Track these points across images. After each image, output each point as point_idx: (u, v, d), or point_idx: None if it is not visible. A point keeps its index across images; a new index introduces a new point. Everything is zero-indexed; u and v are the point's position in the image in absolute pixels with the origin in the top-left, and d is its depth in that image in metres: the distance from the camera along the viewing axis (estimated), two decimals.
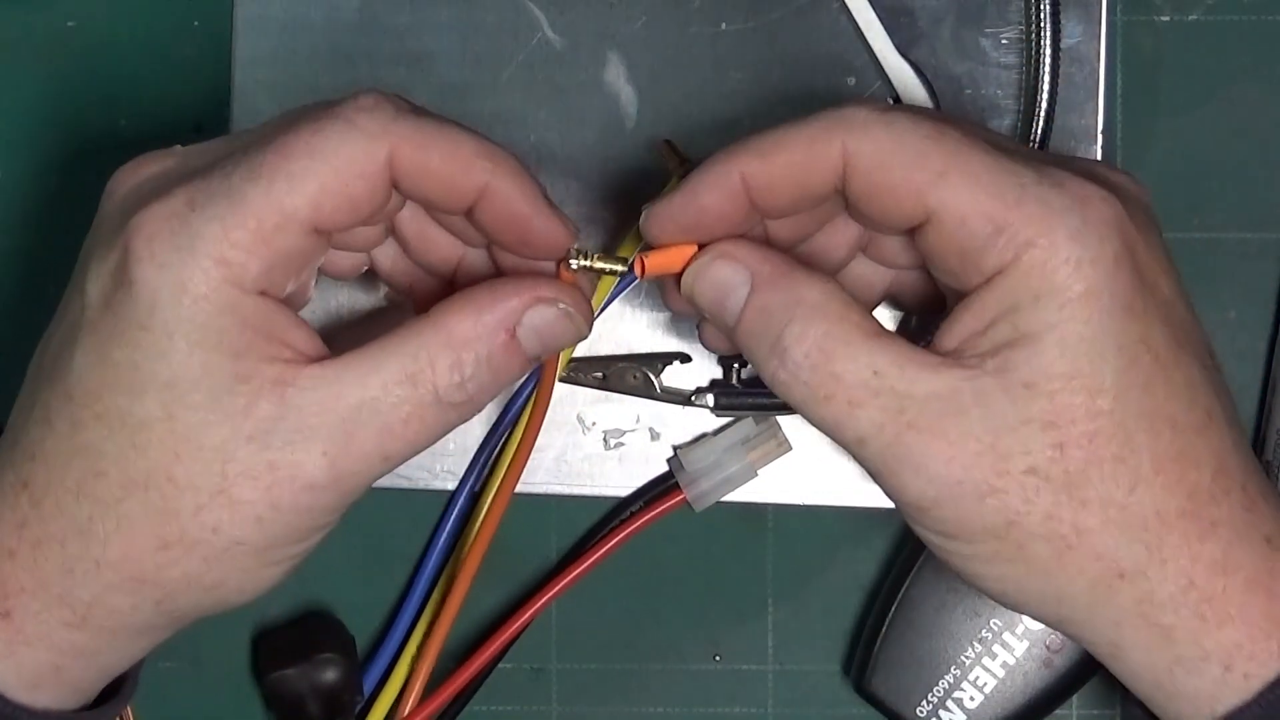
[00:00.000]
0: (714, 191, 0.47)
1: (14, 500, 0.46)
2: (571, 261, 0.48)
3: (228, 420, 0.44)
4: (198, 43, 0.61)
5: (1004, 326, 0.45)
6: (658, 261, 0.48)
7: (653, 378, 0.58)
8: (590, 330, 0.49)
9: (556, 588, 0.58)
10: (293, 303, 0.47)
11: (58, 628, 0.46)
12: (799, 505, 0.59)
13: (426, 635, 0.58)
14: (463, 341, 0.46)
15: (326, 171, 0.45)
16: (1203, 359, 0.46)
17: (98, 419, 0.45)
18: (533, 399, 0.51)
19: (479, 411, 0.47)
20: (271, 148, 0.45)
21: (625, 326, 0.59)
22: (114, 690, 0.50)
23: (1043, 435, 0.44)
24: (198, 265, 0.44)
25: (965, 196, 0.45)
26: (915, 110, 0.46)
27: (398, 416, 0.45)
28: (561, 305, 0.47)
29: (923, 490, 0.45)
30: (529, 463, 0.58)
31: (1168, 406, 0.45)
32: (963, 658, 0.57)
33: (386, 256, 0.52)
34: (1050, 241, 0.44)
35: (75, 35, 0.61)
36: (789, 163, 0.46)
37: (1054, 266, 0.44)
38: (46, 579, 0.46)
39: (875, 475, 0.47)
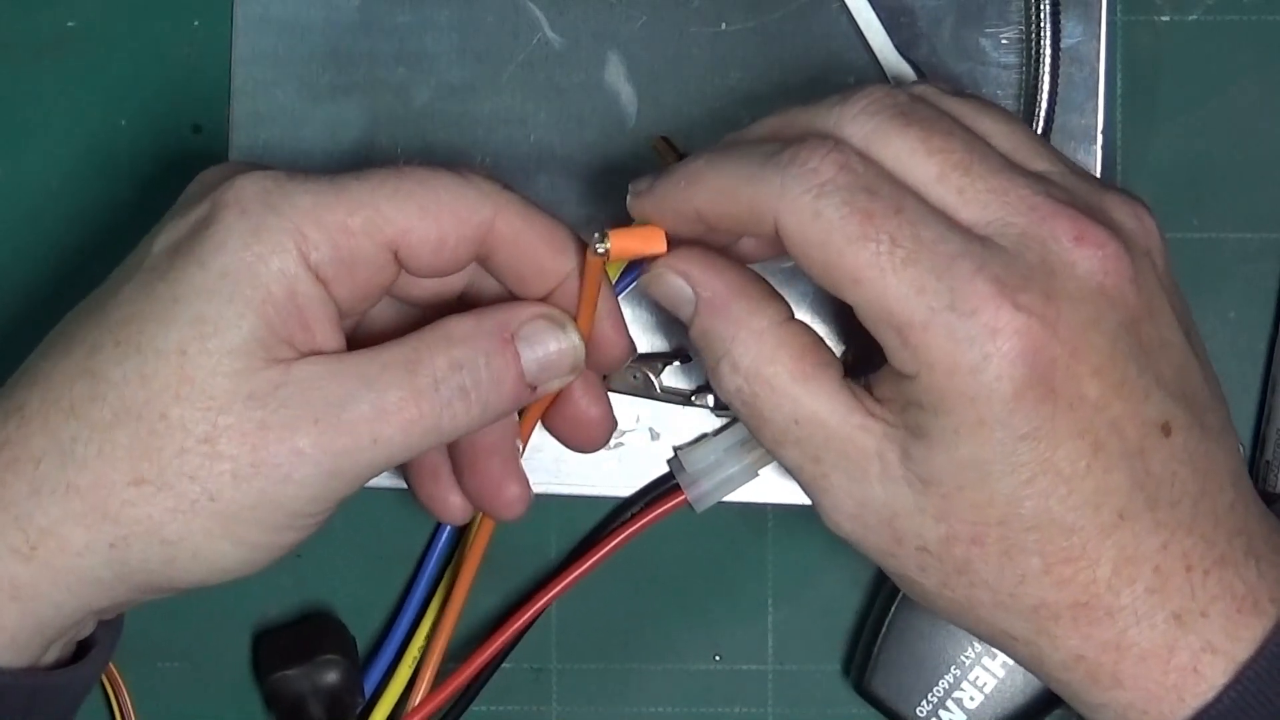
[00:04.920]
0: (675, 219, 0.49)
1: (1, 423, 0.46)
2: (598, 247, 0.48)
3: (233, 375, 0.45)
4: (198, 43, 0.61)
5: (914, 414, 0.46)
6: (622, 246, 0.48)
7: (653, 378, 0.58)
8: (583, 364, 0.50)
9: (557, 588, 0.58)
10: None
11: (5, 555, 0.45)
12: (799, 505, 0.59)
13: (431, 635, 0.58)
14: (461, 338, 0.47)
15: (430, 201, 0.47)
16: (1141, 444, 0.46)
17: (117, 344, 0.45)
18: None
19: (474, 425, 0.47)
20: (386, 168, 0.47)
21: None
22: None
23: (934, 525, 0.46)
24: (279, 224, 0.45)
25: (876, 307, 0.45)
26: (857, 189, 0.45)
27: (392, 398, 0.46)
28: (560, 324, 0.49)
29: (837, 528, 0.49)
30: (529, 463, 0.58)
31: (1066, 517, 0.45)
32: (963, 658, 0.57)
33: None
34: (949, 372, 0.44)
35: (75, 35, 0.61)
36: (734, 215, 0.47)
37: (951, 396, 0.45)
38: (9, 499, 0.45)
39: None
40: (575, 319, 0.49)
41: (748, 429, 0.49)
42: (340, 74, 0.59)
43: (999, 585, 0.46)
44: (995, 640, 0.48)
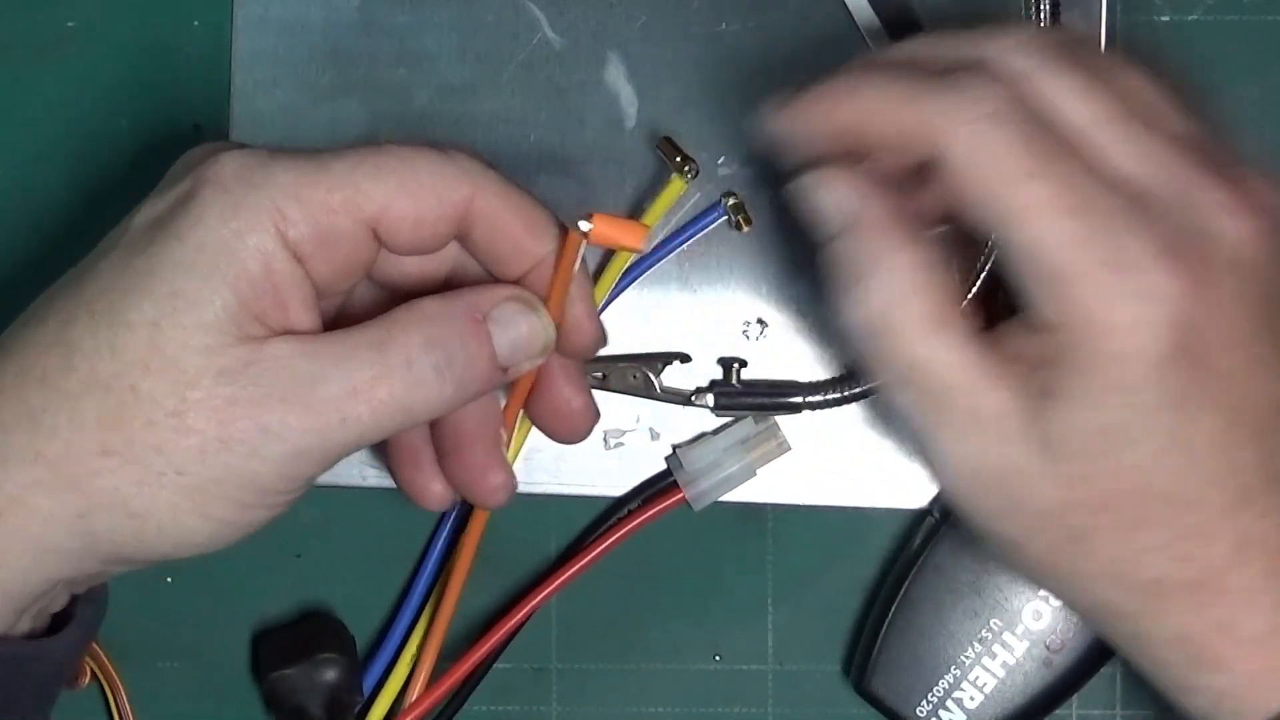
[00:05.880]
0: (821, 130, 0.48)
1: None
2: (581, 224, 0.48)
3: (205, 351, 0.45)
4: (198, 43, 0.61)
5: (1050, 373, 0.45)
6: (603, 231, 0.48)
7: (653, 378, 0.58)
8: (553, 346, 0.49)
9: (554, 584, 0.58)
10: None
11: None
12: (799, 505, 0.59)
13: (426, 632, 0.58)
14: (434, 317, 0.47)
15: (410, 178, 0.46)
16: (1274, 423, 0.45)
17: (91, 315, 0.45)
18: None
19: (449, 405, 0.47)
20: (367, 145, 0.47)
21: (625, 326, 0.59)
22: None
23: (1056, 490, 0.45)
24: (257, 202, 0.45)
25: (1033, 251, 0.44)
26: (1031, 124, 0.44)
27: (363, 377, 0.45)
28: (531, 305, 0.48)
29: (943, 483, 0.48)
30: (529, 463, 0.59)
31: (1191, 490, 0.45)
32: (963, 658, 0.57)
33: None
34: (1097, 331, 0.44)
35: (75, 35, 0.61)
36: (890, 133, 0.46)
37: (1096, 355, 0.44)
38: None
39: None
40: (547, 301, 0.49)
41: (866, 364, 0.48)
42: (340, 74, 0.60)
43: (1115, 556, 0.45)
44: (1091, 612, 0.47)
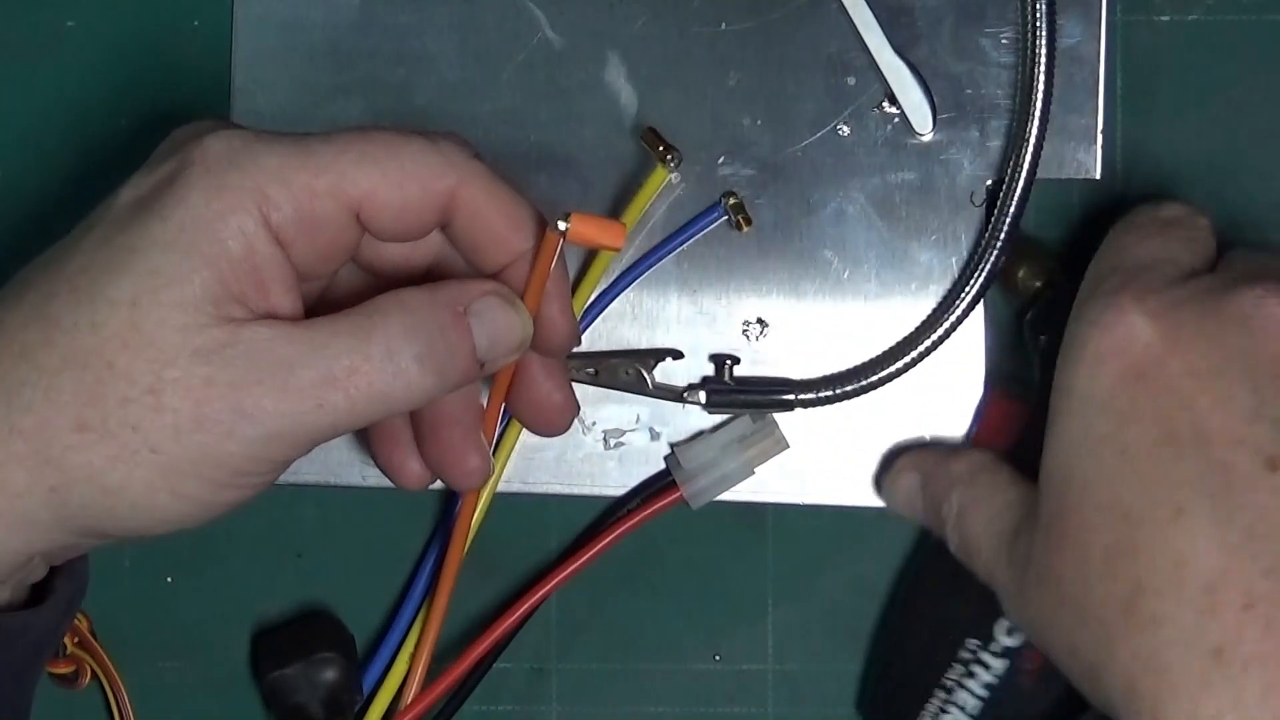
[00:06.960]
0: None
1: None
2: (559, 223, 0.48)
3: (183, 330, 0.45)
4: (198, 43, 0.61)
5: None
6: (580, 230, 0.47)
7: (644, 374, 0.58)
8: (529, 343, 0.50)
9: (552, 583, 0.58)
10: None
11: None
12: (799, 505, 0.59)
13: (421, 631, 0.58)
14: (416, 307, 0.47)
15: (395, 166, 0.47)
16: (1230, 459, 0.45)
17: (72, 290, 0.45)
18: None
19: (429, 395, 0.47)
20: (354, 130, 0.47)
21: (625, 326, 0.59)
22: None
23: (1037, 528, 0.49)
24: (241, 184, 0.45)
25: None
26: None
27: (341, 365, 0.46)
28: (510, 301, 0.49)
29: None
30: (529, 463, 0.59)
31: (1126, 497, 0.46)
32: (957, 662, 0.57)
33: None
34: (1065, 345, 0.48)
35: (75, 35, 0.61)
36: None
37: (1059, 366, 0.48)
38: None
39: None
40: (524, 297, 0.49)
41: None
42: (340, 74, 0.60)
43: (1072, 581, 0.47)
44: (1065, 663, 0.48)
